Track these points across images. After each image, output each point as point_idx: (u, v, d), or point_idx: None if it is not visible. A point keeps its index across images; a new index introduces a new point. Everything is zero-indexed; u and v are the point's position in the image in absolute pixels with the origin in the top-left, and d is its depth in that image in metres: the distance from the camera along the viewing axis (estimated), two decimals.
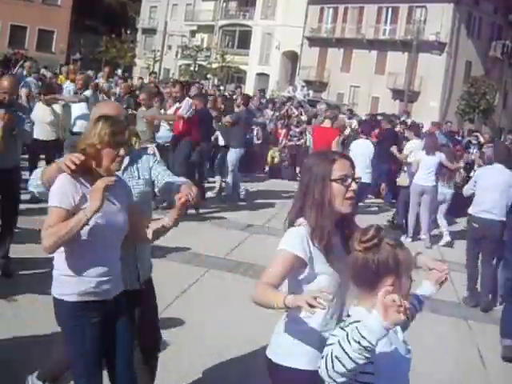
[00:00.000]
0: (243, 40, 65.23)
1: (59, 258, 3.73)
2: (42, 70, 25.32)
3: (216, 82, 54.68)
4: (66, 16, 64.82)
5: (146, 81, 23.80)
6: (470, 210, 9.36)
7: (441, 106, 51.33)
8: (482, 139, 21.11)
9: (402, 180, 13.55)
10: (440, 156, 12.55)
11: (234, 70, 61.36)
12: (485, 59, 55.41)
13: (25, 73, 18.91)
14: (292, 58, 61.87)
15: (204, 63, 62.32)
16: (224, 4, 68.17)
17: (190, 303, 7.40)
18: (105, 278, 3.75)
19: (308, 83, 55.89)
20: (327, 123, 13.01)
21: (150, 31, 74.02)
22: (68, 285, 3.72)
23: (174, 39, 68.72)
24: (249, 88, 52.19)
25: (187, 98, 12.77)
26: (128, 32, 70.07)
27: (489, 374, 6.71)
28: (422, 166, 12.23)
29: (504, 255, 8.30)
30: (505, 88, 55.91)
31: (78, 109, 12.40)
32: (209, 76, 59.91)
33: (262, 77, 61.60)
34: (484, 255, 9.13)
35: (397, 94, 52.48)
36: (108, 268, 3.77)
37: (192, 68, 61.97)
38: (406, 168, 13.41)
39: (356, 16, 57.04)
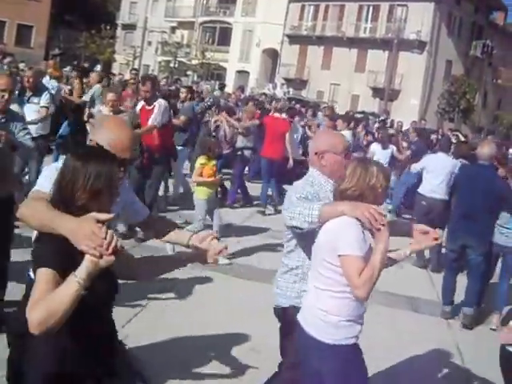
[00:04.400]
0: (223, 37, 64.90)
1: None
2: (21, 65, 24.68)
3: (196, 78, 54.43)
4: (45, 11, 64.09)
5: (126, 77, 23.14)
6: (420, 190, 11.42)
7: (421, 104, 51.32)
8: (462, 138, 21.15)
9: None
10: (392, 148, 14.93)
11: (214, 66, 60.99)
12: (465, 58, 55.58)
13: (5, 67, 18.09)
14: (272, 55, 61.65)
15: (184, 60, 61.97)
16: (204, 1, 67.75)
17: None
18: None
19: (288, 81, 55.97)
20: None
21: (130, 27, 73.42)
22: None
23: (154, 35, 68.43)
24: (229, 85, 51.90)
25: (160, 100, 10.33)
26: (108, 28, 69.43)
27: (468, 372, 6.68)
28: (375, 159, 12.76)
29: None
30: (485, 88, 56.09)
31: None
32: (189, 73, 59.70)
33: (242, 74, 61.31)
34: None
35: (377, 92, 52.41)
36: None
37: (172, 64, 61.53)
38: None
39: (337, 14, 56.94)
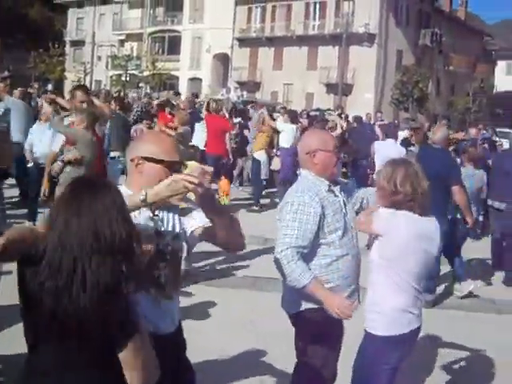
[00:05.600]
0: (173, 46, 64.55)
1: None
2: None
3: (148, 90, 54.01)
4: None
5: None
6: (375, 176, 10.99)
7: (375, 96, 51.42)
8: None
9: (276, 164, 15.08)
10: None
11: (165, 76, 60.65)
12: (415, 48, 55.84)
13: None
14: (223, 60, 61.36)
15: (135, 72, 61.44)
16: (151, 11, 67.38)
17: None
18: None
19: (241, 84, 55.64)
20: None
21: (79, 43, 72.90)
22: None
23: (104, 49, 67.82)
24: (182, 93, 51.53)
25: None
26: (56, 46, 68.70)
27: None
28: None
29: None
30: (437, 75, 56.54)
31: None
32: (141, 85, 59.20)
33: (195, 81, 60.96)
34: None
35: (331, 88, 52.30)
36: None
37: (123, 78, 61.02)
38: (278, 153, 15.17)
39: (284, 13, 56.91)
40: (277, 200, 14.43)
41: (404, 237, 3.98)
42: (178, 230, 3.41)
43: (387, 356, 4.10)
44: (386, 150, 12.01)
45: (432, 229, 4.14)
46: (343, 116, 28.38)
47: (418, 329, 4.19)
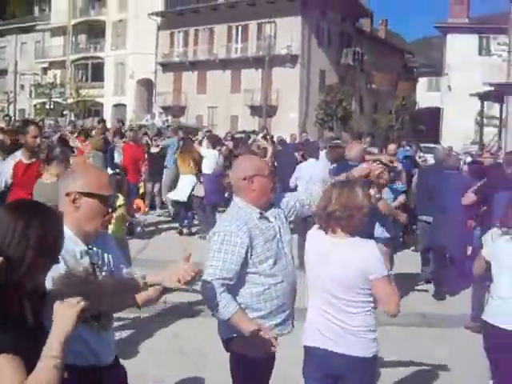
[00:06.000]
0: (96, 72, 64.09)
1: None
2: None
3: (73, 117, 53.50)
4: None
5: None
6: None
7: (300, 117, 51.70)
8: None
9: (199, 190, 14.84)
10: None
11: (90, 103, 60.19)
12: (338, 67, 56.46)
13: None
14: (147, 85, 61.19)
15: (59, 100, 60.89)
16: (73, 38, 66.80)
17: None
18: None
19: (166, 109, 55.61)
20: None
21: (1, 72, 71.92)
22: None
23: (26, 78, 67.25)
24: (107, 120, 51.13)
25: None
26: None
27: None
28: None
29: None
30: (360, 94, 57.31)
31: None
32: (65, 112, 58.63)
33: (120, 107, 60.60)
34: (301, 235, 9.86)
35: (255, 110, 52.57)
36: None
37: (47, 106, 60.34)
38: (202, 179, 15.02)
39: (207, 37, 57.03)
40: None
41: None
42: (112, 266, 3.41)
43: None
44: (308, 171, 11.92)
45: (335, 249, 4.14)
46: (268, 137, 28.71)
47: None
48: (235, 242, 4.12)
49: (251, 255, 4.17)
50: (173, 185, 16.65)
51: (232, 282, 4.11)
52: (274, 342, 3.98)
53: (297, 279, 4.46)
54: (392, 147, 19.06)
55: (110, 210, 3.37)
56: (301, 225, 10.16)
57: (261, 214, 4.30)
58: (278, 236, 4.33)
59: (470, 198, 9.02)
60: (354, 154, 8.96)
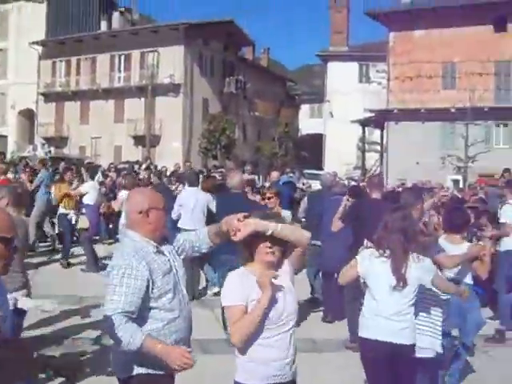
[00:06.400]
0: None
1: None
2: None
3: None
4: None
5: None
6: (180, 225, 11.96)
7: (183, 146, 51.87)
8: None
9: (83, 222, 14.76)
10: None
11: None
12: (221, 96, 56.97)
13: None
14: (29, 115, 59.89)
15: None
16: None
17: None
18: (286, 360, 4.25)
19: (48, 140, 54.80)
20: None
21: None
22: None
23: None
24: None
25: None
26: None
27: None
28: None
29: None
30: (243, 122, 58.05)
31: None
32: None
33: (1, 139, 59.13)
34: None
35: (138, 140, 52.44)
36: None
37: None
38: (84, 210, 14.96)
39: (89, 67, 56.54)
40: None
41: None
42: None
43: None
44: (191, 199, 12.24)
45: None
46: (152, 167, 28.86)
47: None
48: (136, 276, 4.06)
49: (152, 289, 4.13)
50: (45, 216, 16.66)
51: (134, 316, 4.04)
52: (189, 356, 3.98)
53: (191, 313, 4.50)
54: (275, 174, 19.71)
55: (11, 253, 3.17)
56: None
57: (157, 247, 4.27)
58: (174, 270, 4.32)
59: (337, 224, 9.42)
60: (235, 183, 9.54)
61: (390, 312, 5.49)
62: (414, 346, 5.60)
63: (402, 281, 5.40)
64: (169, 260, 4.32)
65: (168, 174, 26.50)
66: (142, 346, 3.92)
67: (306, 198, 13.95)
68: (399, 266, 5.47)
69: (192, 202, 12.12)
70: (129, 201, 4.50)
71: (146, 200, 4.32)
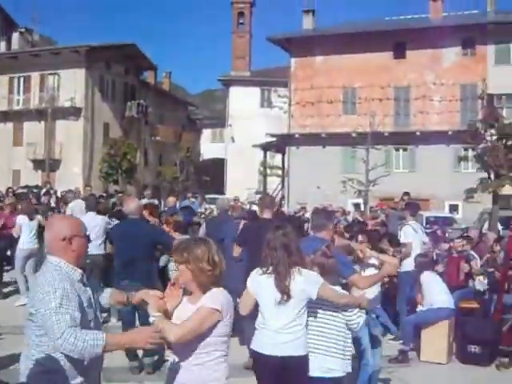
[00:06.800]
0: None
1: None
2: None
3: None
4: None
5: None
6: None
7: (84, 171, 51.12)
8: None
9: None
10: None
11: None
12: (122, 120, 56.41)
13: None
14: None
15: None
16: None
17: None
18: None
19: None
20: None
21: None
22: None
23: None
24: None
25: None
26: None
27: None
28: (26, 230, 14.18)
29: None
30: (144, 146, 57.81)
31: None
32: None
33: None
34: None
35: (38, 164, 51.32)
36: None
37: None
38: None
39: None
40: None
41: None
42: None
43: None
44: (91, 223, 12.04)
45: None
46: (52, 192, 28.32)
47: None
48: (73, 298, 4.03)
49: (81, 315, 4.06)
50: None
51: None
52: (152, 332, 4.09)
53: None
54: (171, 200, 19.79)
55: None
56: None
57: (82, 275, 4.28)
58: (93, 300, 4.32)
59: (236, 249, 9.69)
60: (134, 208, 9.63)
61: (278, 325, 5.70)
62: (304, 356, 5.79)
63: (285, 294, 5.62)
64: (88, 290, 4.33)
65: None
66: (107, 343, 3.91)
67: (204, 224, 14.14)
68: (282, 279, 5.69)
69: (91, 227, 12.09)
70: (51, 227, 4.42)
71: (68, 227, 4.30)
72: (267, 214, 9.80)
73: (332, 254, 6.26)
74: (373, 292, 8.09)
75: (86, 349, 3.86)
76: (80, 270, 4.28)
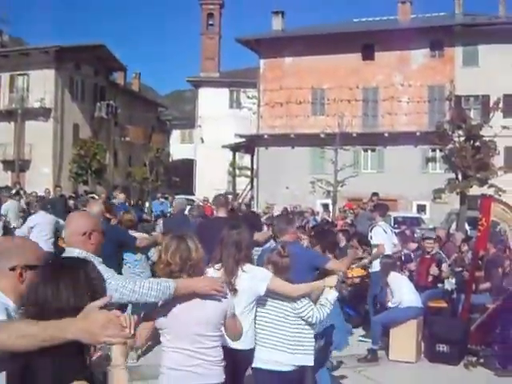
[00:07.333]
0: None
1: None
2: None
3: None
4: None
5: None
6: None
7: (53, 171, 51.08)
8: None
9: None
10: None
11: None
12: (91, 121, 56.45)
13: None
14: None
15: None
16: None
17: None
18: None
19: None
20: None
21: None
22: None
23: None
24: None
25: None
26: None
27: None
28: None
29: None
30: (114, 147, 57.82)
31: None
32: None
33: None
34: None
35: (8, 165, 51.22)
36: None
37: None
38: None
39: None
40: None
41: None
42: None
43: None
44: (41, 221, 13.32)
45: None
46: (22, 192, 28.31)
47: None
48: None
49: None
50: None
51: None
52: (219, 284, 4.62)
53: None
54: (121, 196, 20.03)
55: None
56: None
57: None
58: None
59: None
60: (94, 212, 9.43)
61: None
62: (250, 350, 6.04)
63: (231, 290, 5.62)
64: None
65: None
66: (176, 287, 4.42)
67: (161, 223, 14.68)
68: (228, 275, 5.81)
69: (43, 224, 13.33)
70: (70, 224, 4.82)
71: (87, 223, 4.70)
72: (221, 213, 10.13)
73: (287, 254, 6.38)
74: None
75: (160, 287, 4.37)
76: (99, 258, 4.60)
